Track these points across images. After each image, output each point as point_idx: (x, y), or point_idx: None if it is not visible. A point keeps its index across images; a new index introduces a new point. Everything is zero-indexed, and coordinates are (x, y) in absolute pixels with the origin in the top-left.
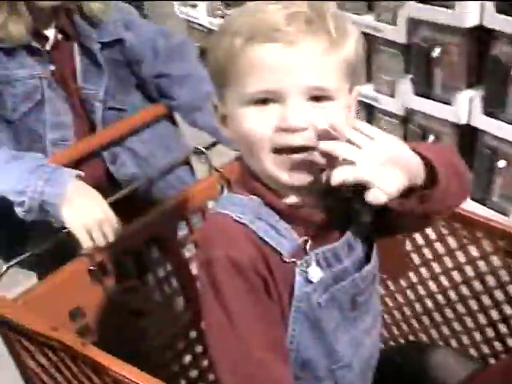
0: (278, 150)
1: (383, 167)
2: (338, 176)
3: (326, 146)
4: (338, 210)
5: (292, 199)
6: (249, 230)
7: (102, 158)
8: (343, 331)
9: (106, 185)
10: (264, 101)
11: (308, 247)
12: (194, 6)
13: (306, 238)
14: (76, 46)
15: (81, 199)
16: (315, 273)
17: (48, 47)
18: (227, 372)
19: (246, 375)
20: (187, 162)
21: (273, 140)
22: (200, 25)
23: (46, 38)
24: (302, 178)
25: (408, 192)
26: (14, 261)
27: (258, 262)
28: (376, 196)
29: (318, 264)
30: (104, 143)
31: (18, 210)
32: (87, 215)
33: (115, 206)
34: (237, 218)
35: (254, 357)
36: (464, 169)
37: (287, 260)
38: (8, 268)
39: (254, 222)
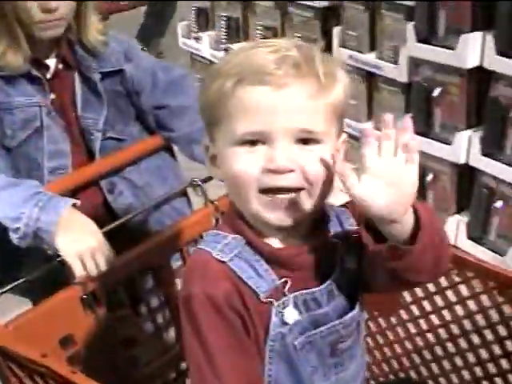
0: (265, 191)
1: (385, 185)
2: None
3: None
4: (322, 254)
5: (275, 241)
6: (227, 268)
7: (100, 187)
8: (322, 377)
9: (103, 214)
10: (252, 142)
11: (287, 289)
12: (198, 39)
13: (285, 279)
14: (77, 76)
15: (75, 228)
16: (291, 315)
17: (49, 76)
18: None
19: None
20: (184, 194)
21: (260, 180)
22: (203, 57)
23: (47, 67)
24: (287, 219)
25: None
26: (7, 287)
27: (234, 298)
28: (352, 182)
29: (296, 306)
30: (102, 173)
31: (13, 237)
32: (81, 244)
33: (111, 236)
34: (216, 256)
35: None
36: (445, 242)
37: (263, 300)
38: (0, 294)
39: (234, 260)
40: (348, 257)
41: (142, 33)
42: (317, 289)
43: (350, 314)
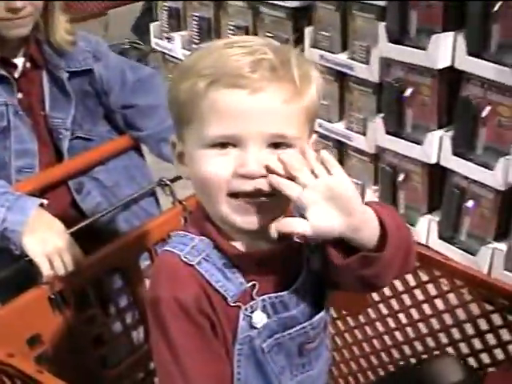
0: (234, 194)
1: (325, 203)
2: (286, 188)
3: (274, 180)
4: (289, 256)
5: (242, 244)
6: (195, 271)
7: (68, 187)
8: (289, 376)
9: (72, 214)
10: (223, 144)
11: (254, 292)
12: (170, 39)
13: (253, 282)
14: (45, 75)
15: (42, 227)
16: (259, 318)
17: (16, 75)
18: None
19: None
20: (152, 194)
21: (230, 184)
22: (175, 57)
23: (15, 66)
24: (256, 222)
25: (351, 250)
26: None
27: (202, 302)
28: (301, 224)
29: (264, 310)
30: (70, 173)
31: None
32: (48, 243)
33: (80, 236)
34: (184, 259)
35: None
36: (411, 242)
37: (231, 304)
38: None
39: (202, 263)
40: (313, 257)
41: (136, 28)
42: (284, 292)
43: (318, 316)
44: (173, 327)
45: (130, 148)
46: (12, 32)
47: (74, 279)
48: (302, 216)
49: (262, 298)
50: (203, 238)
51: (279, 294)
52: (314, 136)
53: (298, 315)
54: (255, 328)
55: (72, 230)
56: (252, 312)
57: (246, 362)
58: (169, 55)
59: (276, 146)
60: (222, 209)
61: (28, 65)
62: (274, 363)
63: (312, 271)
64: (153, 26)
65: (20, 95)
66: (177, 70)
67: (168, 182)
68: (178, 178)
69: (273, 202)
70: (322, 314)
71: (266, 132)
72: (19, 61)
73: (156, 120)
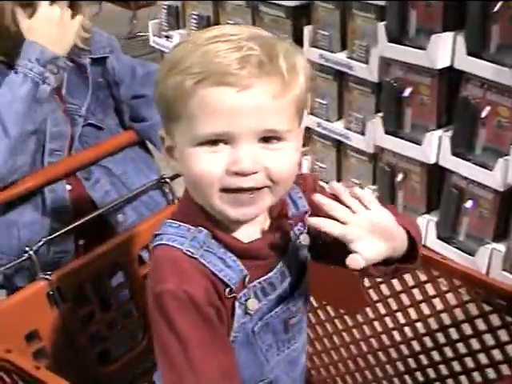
0: (227, 190)
1: (370, 235)
2: (327, 227)
3: (315, 221)
4: (282, 239)
5: (239, 233)
6: (199, 264)
7: (75, 176)
8: (276, 352)
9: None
10: (214, 141)
11: (247, 280)
12: (169, 38)
13: (246, 271)
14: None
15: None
16: (253, 305)
17: None
18: None
19: None
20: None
21: (223, 181)
22: None
23: None
24: (250, 214)
25: (385, 262)
26: None
27: (210, 293)
28: (355, 260)
29: (256, 296)
30: (81, 164)
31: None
32: None
33: (89, 223)
34: (187, 252)
35: None
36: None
37: (228, 296)
38: None
39: (204, 255)
40: (302, 235)
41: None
42: (271, 273)
43: (299, 290)
44: (182, 320)
45: (135, 142)
46: None
47: (72, 275)
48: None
49: (253, 284)
50: (200, 228)
51: (267, 276)
52: (303, 125)
53: (282, 293)
54: (249, 314)
55: (82, 220)
56: (246, 300)
57: (239, 346)
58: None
59: (267, 140)
60: (215, 203)
61: None
62: (262, 342)
63: (299, 248)
64: (151, 24)
65: None
66: (163, 65)
67: (167, 180)
68: (178, 175)
69: (266, 194)
70: (301, 288)
71: (256, 128)
72: None
73: None
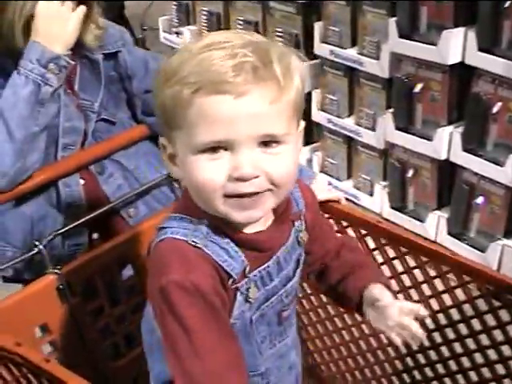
0: (230, 195)
1: None
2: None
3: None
4: (283, 231)
5: (241, 226)
6: (204, 253)
7: (88, 170)
8: (269, 344)
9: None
10: (214, 149)
11: (247, 271)
12: (179, 34)
13: (247, 261)
14: (78, 57)
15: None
16: (254, 293)
17: None
18: None
19: None
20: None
21: (225, 188)
22: None
23: None
24: (255, 216)
25: None
26: None
27: (216, 282)
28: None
29: (256, 285)
30: (94, 158)
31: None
32: None
33: (101, 217)
34: (192, 243)
35: (219, 375)
36: None
37: (231, 285)
38: None
39: (208, 245)
40: (302, 232)
41: None
42: (270, 263)
43: (292, 282)
44: (188, 310)
45: (147, 137)
46: None
47: (81, 269)
48: None
49: (253, 273)
50: (203, 220)
51: (266, 265)
52: (303, 124)
53: (278, 284)
54: (249, 303)
55: (94, 213)
56: (247, 289)
57: (239, 334)
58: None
59: (266, 144)
60: (219, 208)
61: None
62: (257, 333)
63: (298, 241)
64: (161, 21)
65: None
66: (160, 74)
67: None
68: None
69: (267, 196)
70: (294, 280)
71: (255, 134)
72: None
73: None
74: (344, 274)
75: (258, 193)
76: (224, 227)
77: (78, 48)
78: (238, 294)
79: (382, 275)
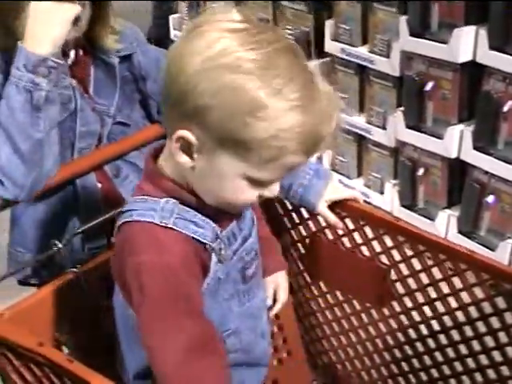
0: None
1: None
2: None
3: None
4: None
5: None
6: (173, 231)
7: (105, 173)
8: (237, 303)
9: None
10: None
11: (218, 233)
12: None
13: (217, 226)
14: (93, 60)
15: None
16: (226, 252)
17: (70, 62)
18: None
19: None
20: None
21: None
22: None
23: (67, 55)
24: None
25: None
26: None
27: (189, 259)
28: None
29: (225, 245)
30: (108, 158)
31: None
32: None
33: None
34: (159, 223)
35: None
36: None
37: (207, 249)
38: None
39: (176, 222)
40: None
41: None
42: (234, 222)
43: (250, 240)
44: (159, 289)
45: (162, 136)
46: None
47: (100, 268)
48: None
49: (222, 234)
50: (168, 199)
51: (231, 226)
52: None
53: (240, 242)
54: (221, 262)
55: (108, 215)
56: (220, 249)
57: (208, 293)
58: None
59: None
60: (225, 208)
61: (81, 52)
62: (224, 290)
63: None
64: (172, 19)
65: (74, 81)
66: (248, 104)
67: None
68: None
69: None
70: (252, 238)
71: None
72: (71, 51)
73: None
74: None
75: None
76: (189, 200)
77: (93, 50)
78: (213, 255)
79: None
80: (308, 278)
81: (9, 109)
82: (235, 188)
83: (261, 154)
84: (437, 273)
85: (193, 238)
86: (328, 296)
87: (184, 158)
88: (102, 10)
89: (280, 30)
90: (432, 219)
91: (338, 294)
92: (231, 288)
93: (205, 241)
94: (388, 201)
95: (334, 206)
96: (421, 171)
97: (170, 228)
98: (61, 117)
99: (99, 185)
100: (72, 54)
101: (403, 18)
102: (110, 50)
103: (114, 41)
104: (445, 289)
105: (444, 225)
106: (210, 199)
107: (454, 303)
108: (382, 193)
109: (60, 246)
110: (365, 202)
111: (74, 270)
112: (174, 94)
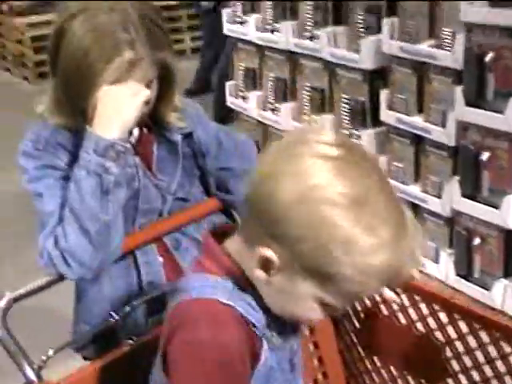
0: None
1: None
2: None
3: None
4: None
5: None
6: (236, 312)
7: (165, 247)
8: None
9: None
10: None
11: (268, 320)
12: (245, 99)
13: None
14: (156, 138)
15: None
16: (277, 340)
17: (133, 140)
18: None
19: None
20: None
21: None
22: (249, 117)
23: (131, 132)
24: None
25: None
26: (60, 346)
27: (244, 345)
28: None
29: (276, 334)
30: (167, 231)
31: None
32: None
33: None
34: (224, 301)
35: None
36: None
37: (259, 335)
38: (55, 352)
39: (238, 302)
40: None
41: None
42: None
43: (297, 332)
44: (211, 371)
45: (219, 210)
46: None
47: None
48: None
49: (276, 322)
50: (225, 277)
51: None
52: None
53: (289, 331)
54: (272, 350)
55: (170, 287)
56: (272, 336)
57: (259, 381)
58: (243, 114)
59: None
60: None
61: (145, 130)
62: (274, 380)
63: None
64: (228, 86)
65: (137, 159)
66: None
67: None
68: None
69: None
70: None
71: None
72: (135, 129)
73: None
74: None
75: None
76: (250, 291)
77: (157, 128)
78: (265, 341)
79: None
80: (362, 352)
81: (78, 192)
82: (307, 308)
83: (343, 287)
84: (493, 350)
85: (249, 319)
86: (382, 371)
87: (260, 273)
88: (168, 90)
89: (371, 154)
90: (488, 289)
91: (392, 368)
92: (280, 377)
93: (258, 324)
94: (443, 270)
95: None
96: (477, 241)
97: (230, 306)
98: (126, 197)
99: (160, 258)
100: (136, 132)
101: (458, 88)
102: (174, 127)
103: (177, 119)
104: (501, 368)
105: (500, 295)
106: (276, 309)
107: (509, 381)
108: (437, 262)
109: (116, 317)
110: (420, 271)
111: (130, 341)
112: (263, 212)
